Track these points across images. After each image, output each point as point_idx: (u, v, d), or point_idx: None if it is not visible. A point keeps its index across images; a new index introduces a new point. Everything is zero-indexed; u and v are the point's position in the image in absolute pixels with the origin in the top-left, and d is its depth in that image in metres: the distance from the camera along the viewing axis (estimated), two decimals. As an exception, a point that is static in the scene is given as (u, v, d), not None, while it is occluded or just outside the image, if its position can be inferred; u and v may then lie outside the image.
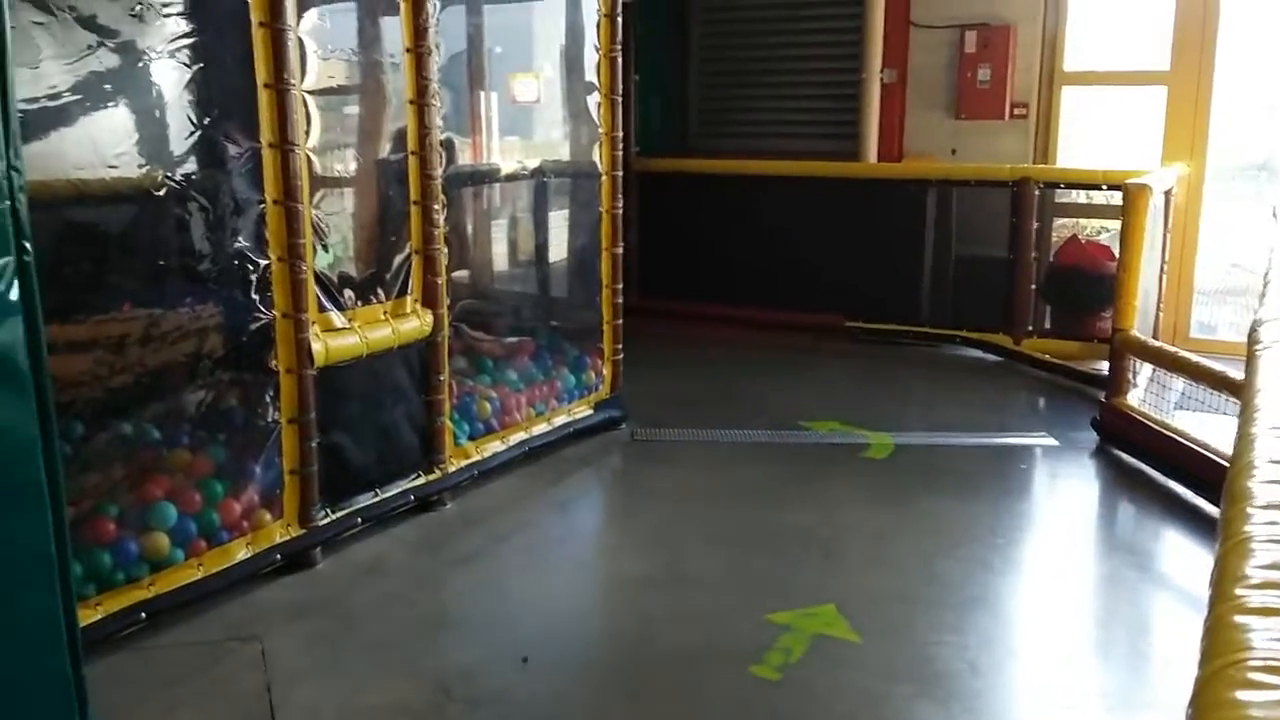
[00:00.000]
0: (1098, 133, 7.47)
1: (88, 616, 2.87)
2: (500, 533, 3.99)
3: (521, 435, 4.56)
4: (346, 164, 4.03)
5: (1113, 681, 3.07)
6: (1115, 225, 5.59)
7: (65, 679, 2.37)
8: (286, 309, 3.47)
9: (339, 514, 3.70)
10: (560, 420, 4.78)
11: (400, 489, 3.96)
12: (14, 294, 2.21)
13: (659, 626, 3.30)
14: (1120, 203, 5.04)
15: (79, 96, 3.41)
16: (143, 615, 3.07)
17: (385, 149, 4.09)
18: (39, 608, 2.32)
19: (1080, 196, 6.67)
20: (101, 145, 3.55)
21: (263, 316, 3.50)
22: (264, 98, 3.36)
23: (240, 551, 3.39)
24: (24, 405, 2.25)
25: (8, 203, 2.20)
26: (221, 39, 3.50)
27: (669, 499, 4.32)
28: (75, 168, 3.36)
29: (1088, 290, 6.10)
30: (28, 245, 2.24)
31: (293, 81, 3.40)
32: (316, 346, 3.55)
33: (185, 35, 3.46)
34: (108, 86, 3.55)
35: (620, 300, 5.02)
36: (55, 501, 2.34)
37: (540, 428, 4.67)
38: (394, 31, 3.92)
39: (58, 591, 2.36)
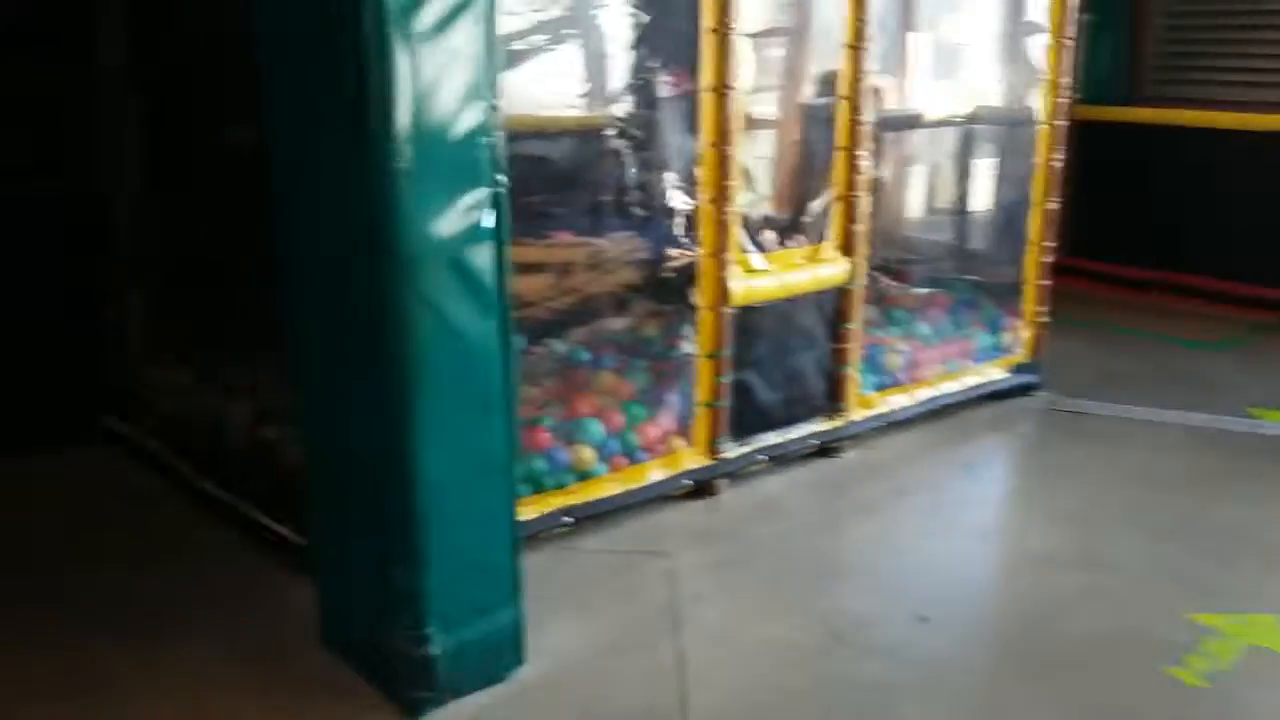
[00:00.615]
0: None
1: (522, 514, 3.18)
2: (900, 487, 3.92)
3: (929, 392, 4.43)
4: (773, 107, 4.08)
5: None
6: None
7: (507, 566, 2.67)
8: (712, 248, 3.60)
9: (744, 449, 3.82)
10: (971, 380, 4.59)
11: (803, 432, 4.00)
12: (489, 221, 2.47)
13: (1066, 608, 3.10)
14: None
15: (541, 39, 3.73)
16: (568, 519, 3.36)
17: (810, 92, 4.08)
18: (490, 501, 2.62)
19: None
20: (559, 85, 3.86)
21: (689, 254, 3.66)
22: (707, 42, 3.46)
23: (653, 472, 3.60)
24: (490, 320, 2.52)
25: (488, 139, 2.45)
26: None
27: (1085, 476, 4.03)
28: (537, 106, 3.67)
29: None
30: (502, 177, 2.48)
31: (734, 25, 3.48)
32: (736, 286, 3.66)
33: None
34: (565, 31, 3.84)
35: (1049, 259, 4.71)
36: (508, 408, 2.61)
37: (949, 386, 4.51)
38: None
39: (505, 489, 2.65)
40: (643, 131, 3.84)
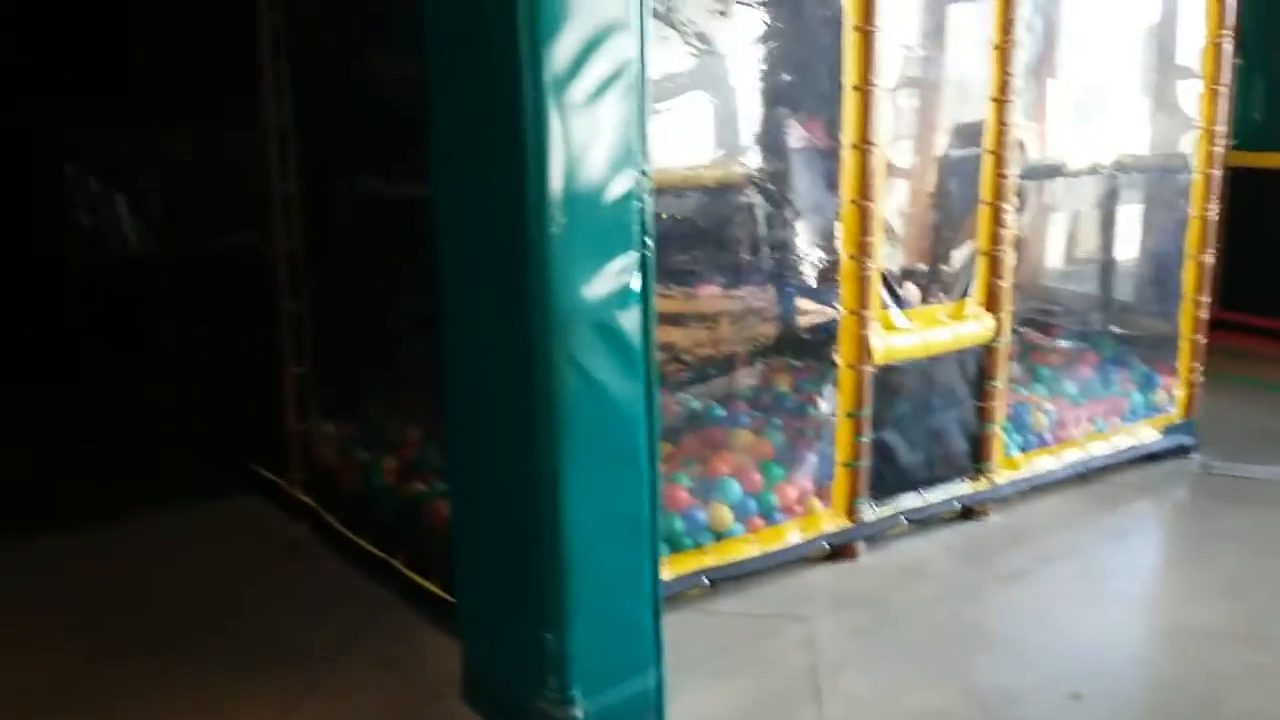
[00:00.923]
0: None
1: (661, 574, 3.16)
2: (1048, 554, 3.77)
3: (1076, 453, 4.27)
4: (910, 158, 4.03)
5: None
6: None
7: (650, 628, 2.65)
8: (853, 306, 3.55)
9: (884, 511, 3.74)
10: (1122, 442, 4.41)
11: (945, 494, 3.89)
12: (637, 284, 2.50)
13: (1232, 688, 2.92)
14: None
15: (676, 96, 3.78)
16: (705, 580, 3.33)
17: (948, 144, 4.03)
18: (633, 562, 2.62)
19: None
20: (693, 142, 3.90)
21: (827, 310, 3.62)
22: (850, 99, 3.44)
23: (791, 534, 3.54)
24: (635, 381, 2.54)
25: (638, 204, 2.49)
26: (811, 45, 3.66)
27: (1247, 544, 3.80)
28: (673, 162, 3.70)
29: None
30: (649, 241, 2.51)
31: (877, 82, 3.45)
32: (877, 344, 3.60)
33: (777, 43, 3.68)
34: (700, 88, 3.88)
35: (1204, 314, 4.51)
36: (651, 469, 2.61)
37: (1098, 447, 4.34)
38: (962, 21, 3.84)
39: (646, 548, 2.65)
40: (779, 187, 3.85)
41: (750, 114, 3.97)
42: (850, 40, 3.41)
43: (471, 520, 2.78)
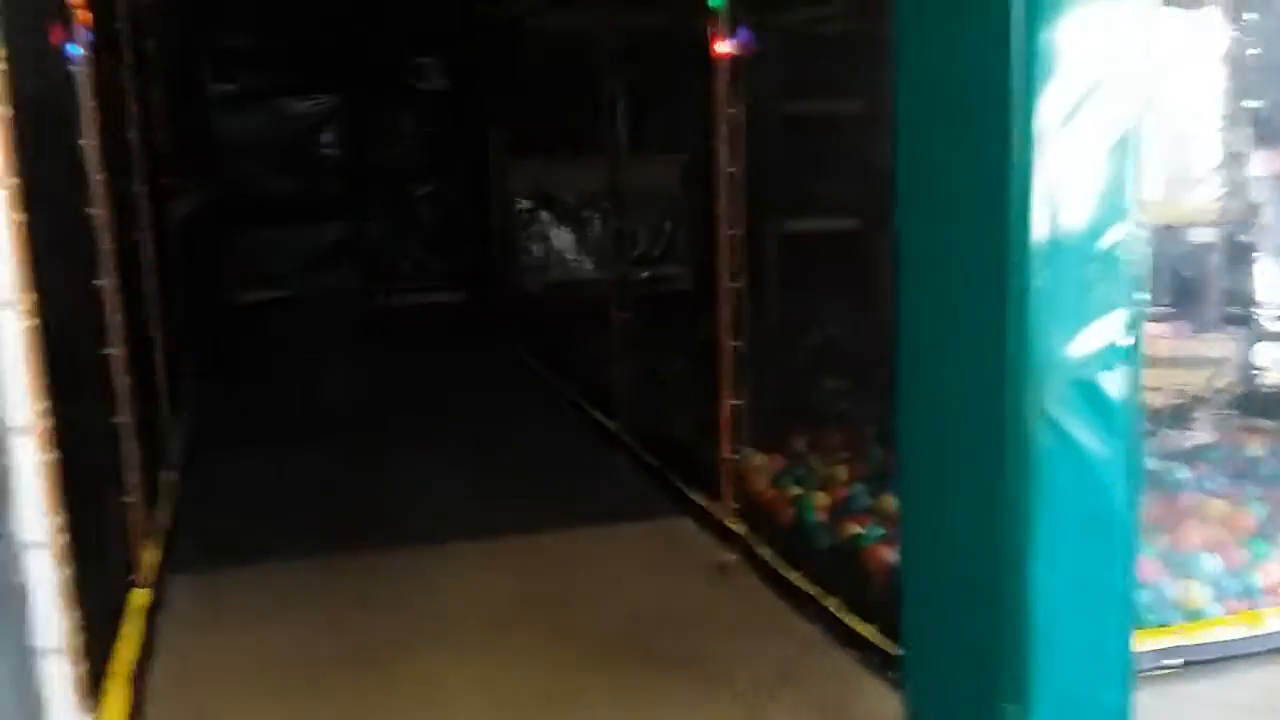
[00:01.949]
0: None
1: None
2: None
3: None
4: None
5: None
6: None
7: (1118, 710, 2.47)
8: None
9: (1396, 608, 3.21)
10: None
11: None
12: (1125, 341, 2.35)
13: None
14: None
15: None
16: (1172, 661, 3.04)
17: None
18: (1103, 637, 2.46)
19: None
20: (1152, 176, 3.62)
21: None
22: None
23: (1275, 619, 3.15)
24: (1116, 442, 2.41)
25: (1129, 257, 2.34)
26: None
27: None
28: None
29: None
30: (1141, 296, 2.36)
31: None
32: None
33: (1258, 69, 3.34)
34: (1162, 121, 3.61)
35: None
36: (1130, 537, 2.44)
37: None
38: None
39: (1123, 625, 2.47)
40: (1252, 226, 3.49)
41: (1218, 147, 3.65)
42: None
43: (925, 574, 2.72)
